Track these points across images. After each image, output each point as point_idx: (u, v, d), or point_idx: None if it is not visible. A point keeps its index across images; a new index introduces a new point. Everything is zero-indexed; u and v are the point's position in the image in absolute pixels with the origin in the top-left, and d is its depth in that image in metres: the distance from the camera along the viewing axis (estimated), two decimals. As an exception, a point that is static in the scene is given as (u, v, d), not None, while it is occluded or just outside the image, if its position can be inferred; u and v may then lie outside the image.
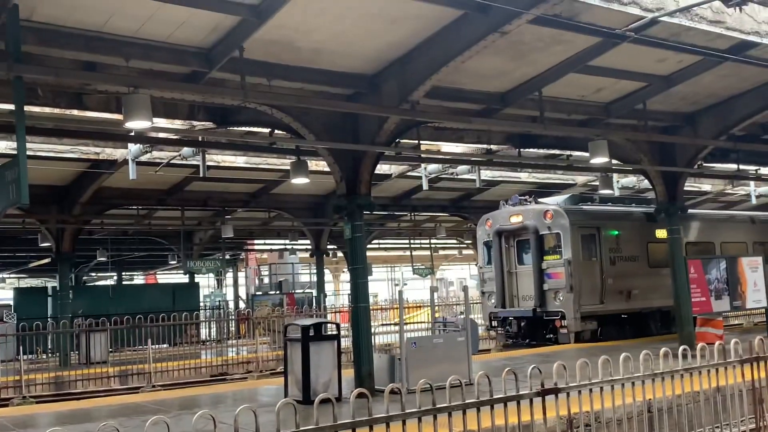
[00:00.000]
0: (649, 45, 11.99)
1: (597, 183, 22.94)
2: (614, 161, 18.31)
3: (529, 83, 13.60)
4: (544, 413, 6.42)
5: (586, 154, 16.25)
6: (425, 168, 22.64)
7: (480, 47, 10.64)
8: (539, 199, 21.93)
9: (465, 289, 13.61)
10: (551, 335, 19.80)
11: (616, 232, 20.84)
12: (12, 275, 44.68)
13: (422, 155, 17.82)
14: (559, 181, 27.86)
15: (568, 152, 20.39)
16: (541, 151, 19.58)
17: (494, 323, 21.15)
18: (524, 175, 26.36)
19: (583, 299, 19.45)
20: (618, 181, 25.95)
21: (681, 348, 7.65)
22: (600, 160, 15.70)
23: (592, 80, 13.95)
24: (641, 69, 13.79)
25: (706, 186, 30.06)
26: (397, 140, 14.70)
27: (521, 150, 18.37)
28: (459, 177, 23.86)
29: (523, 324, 20.31)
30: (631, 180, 26.76)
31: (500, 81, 13.58)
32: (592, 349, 17.00)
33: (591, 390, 6.73)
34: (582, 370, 6.67)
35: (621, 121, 16.32)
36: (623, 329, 20.87)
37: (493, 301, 21.16)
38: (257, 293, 41.61)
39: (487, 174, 24.54)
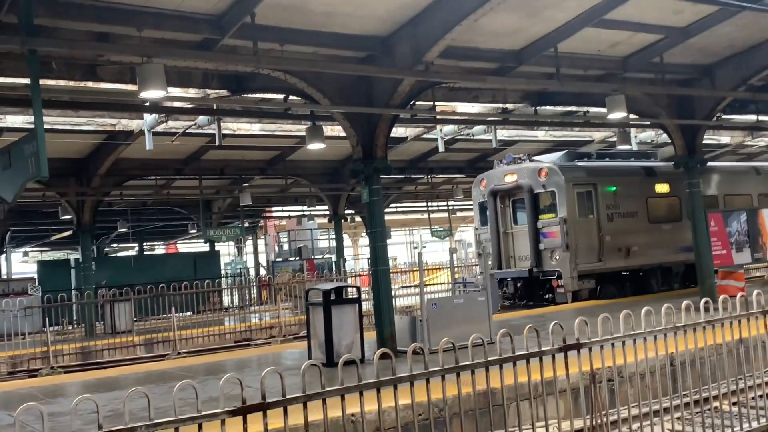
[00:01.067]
0: (665, -5, 11.80)
1: (615, 139, 22.76)
2: (632, 116, 18.13)
3: (544, 39, 13.43)
4: (567, 369, 6.45)
5: (604, 110, 16.09)
6: (441, 129, 22.55)
7: (493, 4, 10.49)
8: (534, 157, 21.48)
9: (484, 249, 13.61)
10: (548, 295, 19.58)
11: (614, 188, 20.44)
12: (35, 248, 45.18)
13: (437, 117, 17.73)
14: (577, 138, 27.66)
15: (585, 108, 20.21)
16: (558, 108, 19.44)
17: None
18: (541, 134, 26.19)
19: (579, 258, 19.16)
20: (636, 136, 25.76)
21: (703, 300, 7.64)
22: (617, 115, 15.55)
23: (608, 34, 13.76)
24: (658, 21, 13.57)
25: (725, 138, 29.75)
26: (412, 102, 14.62)
27: (537, 108, 18.21)
28: (475, 138, 23.73)
29: (519, 285, 20.07)
30: (649, 134, 26.53)
31: (515, 38, 13.42)
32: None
33: (613, 345, 6.75)
34: (603, 325, 6.68)
35: (638, 75, 16.11)
36: (623, 287, 20.64)
37: (489, 262, 20.52)
38: (277, 260, 41.92)
39: (503, 133, 24.40)
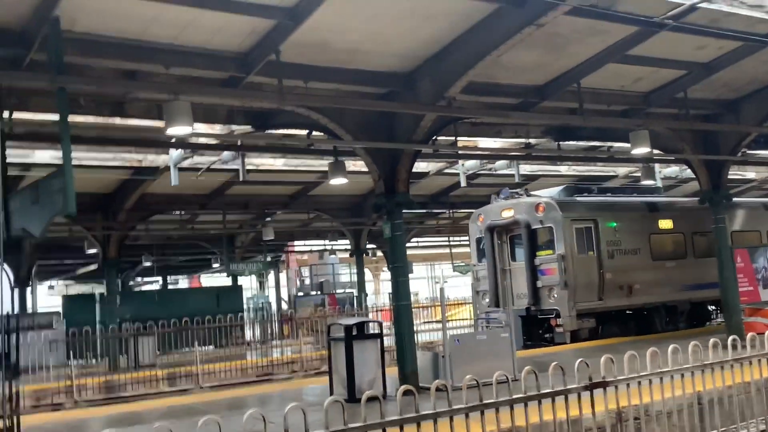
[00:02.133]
0: (689, 32, 11.82)
1: (639, 174, 22.64)
2: (656, 151, 18.04)
3: (567, 75, 13.48)
4: (593, 407, 6.37)
5: (627, 145, 16.04)
6: (463, 164, 22.57)
7: (516, 41, 10.58)
8: (532, 192, 20.93)
9: (505, 283, 13.53)
10: (547, 335, 18.91)
11: (615, 224, 19.90)
12: (60, 282, 45.54)
13: (459, 152, 17.78)
14: (600, 173, 27.52)
15: (608, 143, 20.16)
16: (581, 143, 19.38)
17: (488, 323, 19.54)
18: (564, 168, 26.11)
19: (578, 296, 18.48)
20: (660, 171, 25.57)
21: (730, 338, 7.53)
22: (641, 150, 15.49)
23: (631, 70, 13.78)
24: (681, 57, 13.59)
25: (750, 173, 29.49)
26: (434, 137, 14.67)
27: (560, 143, 18.21)
28: (497, 172, 23.71)
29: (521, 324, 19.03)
30: (673, 170, 26.34)
31: (537, 74, 13.48)
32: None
33: (639, 383, 6.66)
34: (630, 362, 6.60)
35: (662, 110, 16.08)
36: (626, 327, 19.98)
37: (486, 300, 20.01)
38: (299, 294, 41.90)
39: (526, 168, 24.36)
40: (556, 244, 18.70)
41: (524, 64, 12.70)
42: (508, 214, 19.78)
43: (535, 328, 19.20)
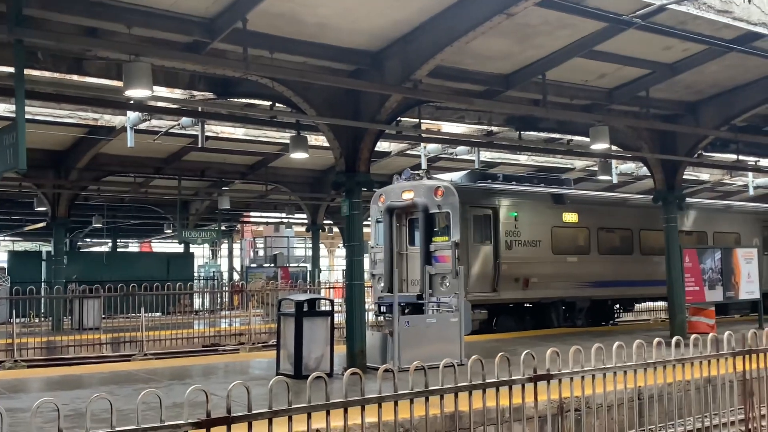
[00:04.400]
0: (656, 32, 11.92)
1: (596, 168, 22.90)
2: (614, 147, 18.25)
3: (533, 66, 13.52)
4: (536, 398, 6.44)
5: (587, 139, 16.19)
6: (425, 147, 22.58)
7: (485, 28, 10.54)
8: (435, 175, 19.94)
9: (460, 270, 13.61)
10: None
11: (515, 214, 19.06)
12: (6, 238, 44.64)
13: (423, 135, 17.75)
14: (559, 165, 27.82)
15: (568, 137, 20.33)
16: (542, 134, 19.51)
17: (383, 309, 18.58)
18: (523, 158, 26.33)
19: (471, 286, 17.50)
20: (617, 167, 25.95)
21: (674, 338, 7.67)
22: (600, 146, 15.65)
23: (596, 65, 13.87)
24: (646, 56, 13.71)
25: (705, 175, 30.07)
26: (398, 118, 14.64)
27: (522, 133, 18.30)
28: (458, 157, 23.80)
29: (407, 311, 17.26)
30: (629, 166, 26.77)
31: (504, 63, 13.49)
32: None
33: (583, 377, 6.75)
34: (575, 356, 6.68)
35: (623, 107, 16.25)
36: (522, 321, 19.44)
37: (382, 284, 18.91)
38: (251, 265, 41.69)
39: (486, 155, 24.49)
40: (451, 230, 17.86)
41: (492, 52, 12.70)
42: (408, 196, 18.71)
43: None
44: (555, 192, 20.59)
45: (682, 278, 17.39)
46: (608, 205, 22.02)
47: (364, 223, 30.73)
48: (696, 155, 18.36)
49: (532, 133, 18.90)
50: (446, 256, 17.74)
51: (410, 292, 18.18)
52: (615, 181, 27.03)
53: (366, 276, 14.61)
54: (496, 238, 18.50)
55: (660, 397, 8.01)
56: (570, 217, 20.36)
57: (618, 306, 22.80)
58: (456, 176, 20.03)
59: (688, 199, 22.81)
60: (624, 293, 21.90)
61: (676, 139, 17.50)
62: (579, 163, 27.51)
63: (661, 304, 27.99)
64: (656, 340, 7.55)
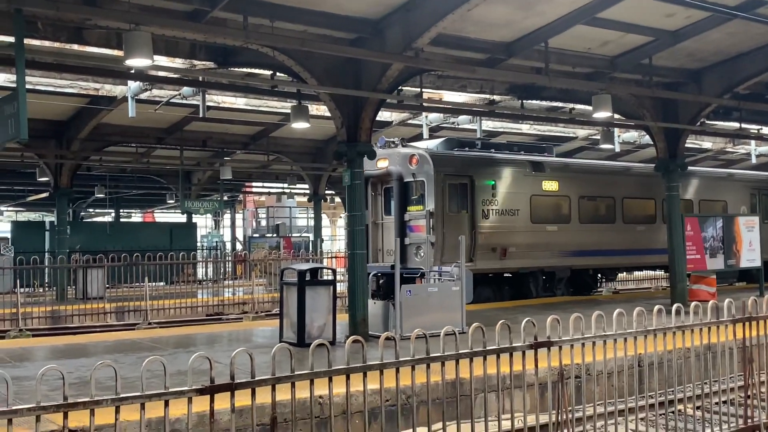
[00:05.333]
0: (659, -1, 11.83)
1: (599, 137, 22.83)
2: (617, 116, 18.20)
3: (536, 34, 13.44)
4: (536, 365, 6.49)
5: (589, 108, 16.14)
6: (426, 116, 22.51)
7: (487, -5, 10.48)
8: (410, 143, 19.38)
9: (461, 238, 13.65)
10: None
11: (492, 182, 18.65)
12: (9, 208, 44.71)
13: (424, 104, 17.68)
14: (561, 133, 27.75)
15: (571, 105, 20.24)
16: (544, 103, 19.42)
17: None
18: (525, 127, 26.24)
19: (446, 256, 16.94)
20: (619, 136, 25.87)
21: (674, 306, 7.71)
22: (603, 114, 15.61)
23: (599, 33, 13.79)
24: (649, 23, 13.62)
25: (707, 144, 30.00)
26: (400, 87, 14.58)
27: (524, 101, 18.23)
28: (460, 126, 23.74)
29: (382, 282, 16.59)
30: (632, 135, 26.69)
31: (506, 30, 13.41)
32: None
33: (583, 344, 6.80)
34: (575, 323, 6.72)
35: (626, 75, 16.18)
36: (500, 291, 19.15)
37: None
38: (254, 235, 41.80)
39: (488, 124, 24.41)
40: (426, 199, 17.50)
41: (494, 19, 12.62)
42: (383, 165, 18.24)
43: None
44: (534, 160, 20.14)
45: (683, 246, 17.43)
46: (590, 173, 21.68)
47: (329, 192, 30.60)
48: (698, 123, 18.31)
49: (534, 101, 18.83)
50: (420, 226, 17.48)
51: (385, 262, 17.69)
52: (618, 149, 26.96)
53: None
54: (473, 207, 18.17)
55: (660, 364, 8.07)
56: (550, 186, 19.98)
57: (600, 275, 22.58)
58: (432, 144, 19.68)
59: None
60: (606, 263, 21.62)
61: (679, 108, 17.44)
62: (582, 131, 27.43)
63: (650, 273, 27.87)
64: (656, 307, 7.58)
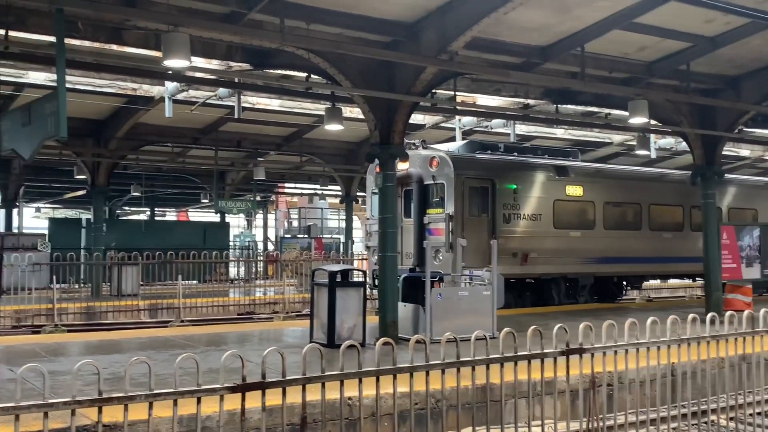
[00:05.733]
0: (697, 4, 11.68)
1: (634, 142, 22.58)
2: (653, 122, 18.00)
3: (572, 38, 13.34)
4: (568, 372, 6.46)
5: (625, 113, 15.98)
6: (460, 120, 22.46)
7: (524, -1, 10.44)
8: (432, 145, 18.95)
9: (493, 243, 13.60)
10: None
11: (514, 186, 18.29)
12: (47, 205, 45.43)
13: (458, 107, 17.64)
14: (596, 139, 27.52)
15: (606, 110, 20.05)
16: (579, 107, 19.27)
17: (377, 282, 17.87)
18: (560, 132, 26.07)
19: (466, 260, 16.37)
20: (656, 142, 25.57)
21: (709, 315, 7.61)
22: (639, 120, 15.45)
23: (636, 38, 13.65)
24: (687, 29, 13.46)
25: (745, 151, 29.55)
26: (433, 91, 14.57)
27: (559, 106, 18.11)
28: (493, 130, 23.64)
29: (401, 285, 16.20)
30: (669, 141, 26.36)
31: (542, 34, 13.34)
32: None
33: (616, 351, 6.75)
34: (608, 331, 6.67)
35: (663, 81, 15.99)
36: (521, 297, 18.75)
37: (376, 257, 17.69)
38: (286, 236, 42.03)
39: (522, 129, 24.28)
40: (446, 202, 17.23)
41: (530, 23, 12.56)
42: (403, 167, 17.65)
43: (420, 291, 15.88)
44: (558, 164, 19.78)
45: (718, 255, 17.19)
46: (615, 179, 21.22)
47: (360, 194, 30.69)
48: (736, 131, 18.04)
49: (569, 106, 18.68)
50: (440, 229, 17.22)
51: (404, 265, 17.27)
52: (654, 156, 26.67)
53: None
54: (494, 211, 17.87)
55: (694, 374, 7.97)
56: (574, 190, 19.64)
57: (625, 283, 22.11)
58: (454, 146, 19.36)
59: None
60: (631, 270, 21.16)
61: (716, 114, 17.20)
62: (617, 137, 27.17)
63: (676, 281, 27.25)
64: (691, 316, 7.50)
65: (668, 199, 21.83)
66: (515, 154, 19.69)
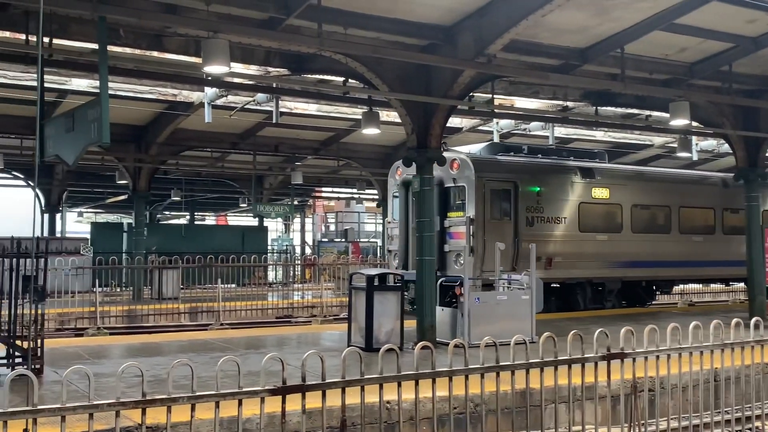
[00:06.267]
0: (739, 5, 11.52)
1: (675, 144, 22.27)
2: (695, 123, 17.74)
3: (611, 40, 13.21)
4: (609, 377, 6.39)
5: (666, 115, 15.78)
6: (497, 123, 22.35)
7: (562, 1, 10.36)
8: (451, 147, 18.41)
9: (532, 246, 13.51)
10: (453, 303, 16.14)
11: (537, 189, 17.91)
12: (89, 210, 46.21)
13: (495, 110, 17.57)
14: (636, 141, 27.20)
15: (647, 112, 19.80)
16: (619, 109, 19.05)
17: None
18: (600, 134, 25.80)
19: (487, 264, 16.21)
20: (697, 144, 25.18)
21: (753, 319, 7.48)
22: (680, 121, 15.25)
23: (676, 39, 13.47)
24: (729, 29, 13.24)
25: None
26: (471, 94, 14.52)
27: (598, 108, 17.92)
28: (532, 133, 23.50)
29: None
30: (711, 143, 25.96)
31: (581, 36, 13.23)
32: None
33: (658, 357, 6.66)
34: (649, 335, 6.59)
35: (704, 82, 15.76)
36: (546, 301, 17.51)
37: (397, 261, 18.08)
38: (323, 240, 42.20)
39: (561, 131, 24.09)
40: (467, 205, 16.86)
41: (569, 25, 12.47)
42: None
43: (442, 296, 15.43)
44: (583, 166, 19.32)
45: (762, 258, 16.88)
46: (644, 180, 20.67)
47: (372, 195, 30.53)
48: (781, 132, 17.69)
49: (609, 108, 18.47)
50: (461, 233, 16.82)
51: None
52: (695, 158, 26.26)
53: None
54: (516, 214, 17.52)
55: (737, 379, 7.83)
56: (600, 193, 19.15)
57: (654, 288, 21.53)
58: (475, 148, 18.91)
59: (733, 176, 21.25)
60: (659, 274, 20.54)
61: (760, 116, 16.90)
62: (658, 139, 26.82)
63: (719, 286, 26.51)
64: (734, 320, 7.37)
65: (699, 201, 21.34)
66: (539, 156, 19.34)
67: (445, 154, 17.47)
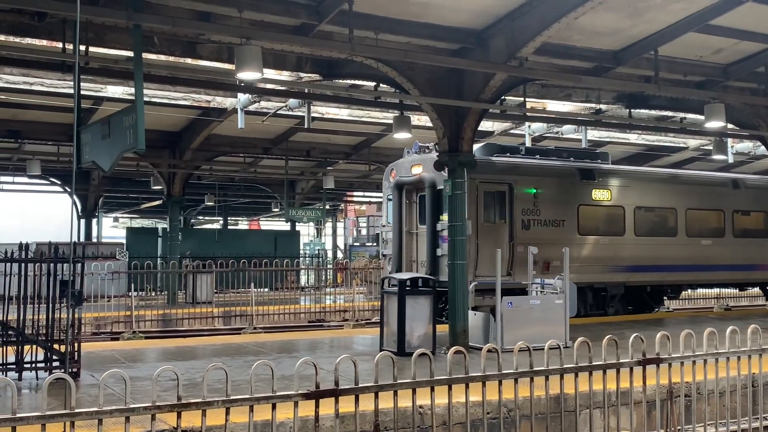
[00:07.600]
0: (777, 4, 11.33)
1: (710, 147, 21.97)
2: (730, 125, 17.50)
3: (644, 42, 13.09)
4: (644, 382, 6.32)
5: (701, 117, 15.59)
6: (529, 126, 22.25)
7: (595, 3, 10.28)
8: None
9: (565, 250, 13.42)
10: (446, 310, 15.37)
11: (534, 191, 17.41)
12: (125, 215, 46.80)
13: (527, 113, 17.47)
14: (671, 143, 26.89)
15: (681, 114, 19.57)
16: (653, 112, 18.87)
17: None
18: (633, 137, 25.55)
19: (481, 269, 15.94)
20: (733, 146, 24.84)
21: (792, 324, 7.36)
22: (716, 124, 15.06)
23: (711, 40, 13.30)
24: (764, 30, 13.04)
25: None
26: (503, 97, 14.47)
27: (632, 110, 17.75)
28: (564, 136, 23.34)
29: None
30: (746, 145, 25.62)
31: (614, 39, 13.12)
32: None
33: (694, 362, 6.58)
34: (686, 340, 6.51)
35: (740, 84, 15.54)
36: None
37: (390, 267, 17.65)
38: (355, 244, 42.29)
39: (594, 134, 23.91)
40: None
41: (601, 27, 12.38)
42: (416, 171, 17.15)
43: (435, 301, 14.45)
44: (582, 167, 18.81)
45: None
46: (647, 182, 20.09)
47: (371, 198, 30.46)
48: (819, 133, 17.38)
49: (642, 110, 18.29)
50: None
51: (419, 273, 15.89)
52: (731, 160, 25.91)
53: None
54: (511, 216, 17.05)
55: (776, 386, 7.70)
56: (601, 195, 18.70)
57: (660, 293, 20.77)
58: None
59: (744, 176, 20.59)
60: (665, 279, 19.93)
61: (797, 117, 16.62)
62: (693, 142, 26.50)
63: (715, 290, 25.62)
64: (773, 326, 7.26)
65: (707, 203, 20.65)
66: (537, 156, 18.85)
67: (436, 155, 17.31)
